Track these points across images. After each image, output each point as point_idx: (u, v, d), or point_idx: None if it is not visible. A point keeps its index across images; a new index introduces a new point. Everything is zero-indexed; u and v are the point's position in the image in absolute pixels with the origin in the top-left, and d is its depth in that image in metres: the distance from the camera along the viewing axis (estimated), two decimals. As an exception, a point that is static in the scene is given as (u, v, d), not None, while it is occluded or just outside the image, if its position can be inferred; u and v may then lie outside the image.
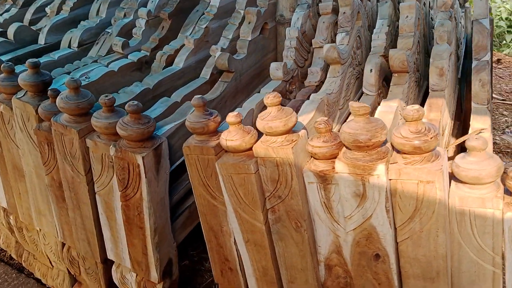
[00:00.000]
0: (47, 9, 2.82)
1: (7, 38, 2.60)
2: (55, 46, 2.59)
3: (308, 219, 1.32)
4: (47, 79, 1.60)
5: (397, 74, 1.69)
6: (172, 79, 1.94)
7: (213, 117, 1.37)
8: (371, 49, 1.91)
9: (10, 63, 1.65)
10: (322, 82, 1.84)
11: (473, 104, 1.64)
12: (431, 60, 1.65)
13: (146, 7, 2.38)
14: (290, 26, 2.13)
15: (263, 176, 1.34)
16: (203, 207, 1.49)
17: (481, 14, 1.84)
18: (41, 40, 2.54)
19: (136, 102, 1.36)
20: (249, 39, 2.00)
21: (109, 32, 2.43)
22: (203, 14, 2.13)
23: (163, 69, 2.05)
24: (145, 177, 1.42)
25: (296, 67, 2.01)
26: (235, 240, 1.49)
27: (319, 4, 2.07)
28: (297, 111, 1.74)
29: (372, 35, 1.95)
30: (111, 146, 1.43)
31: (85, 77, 1.86)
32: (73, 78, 1.44)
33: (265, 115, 1.28)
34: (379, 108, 1.48)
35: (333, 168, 1.28)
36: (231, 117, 1.32)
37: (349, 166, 1.17)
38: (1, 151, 1.84)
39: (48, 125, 1.59)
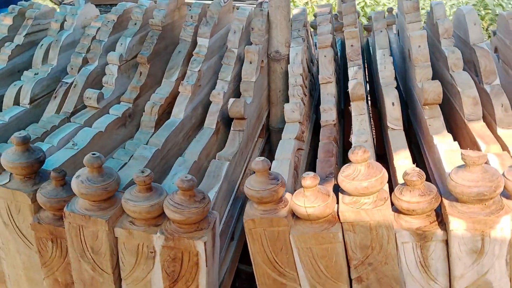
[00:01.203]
0: (-29, 60, 2.33)
1: None
2: (-6, 104, 2.14)
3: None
4: (41, 156, 1.25)
5: (428, 106, 1.62)
6: (175, 134, 1.66)
7: (280, 182, 1.16)
8: (381, 81, 1.83)
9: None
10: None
11: (498, 130, 1.62)
12: (459, 89, 1.61)
13: (112, 51, 2.06)
14: (286, 62, 1.99)
15: (351, 243, 1.16)
16: (264, 285, 1.25)
17: (478, 39, 1.86)
18: (-23, 99, 2.07)
19: (190, 177, 1.10)
20: (253, 80, 1.81)
21: (66, 83, 2.05)
22: (191, 55, 1.89)
23: (156, 122, 1.76)
24: (205, 266, 1.14)
25: (303, 106, 1.87)
26: (307, 318, 1.27)
27: (318, 38, 1.96)
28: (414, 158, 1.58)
29: (378, 66, 1.88)
30: (157, 234, 1.13)
31: (72, 144, 1.51)
32: (94, 154, 1.13)
33: (354, 173, 1.10)
34: (441, 147, 1.39)
35: (431, 223, 1.15)
36: (308, 179, 1.12)
37: (468, 221, 1.04)
38: (-33, 253, 1.40)
39: (51, 216, 1.23)
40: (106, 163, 1.53)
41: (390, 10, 2.93)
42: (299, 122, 1.75)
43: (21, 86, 2.08)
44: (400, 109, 1.70)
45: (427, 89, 1.57)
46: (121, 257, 1.21)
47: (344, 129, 2.38)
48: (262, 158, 1.15)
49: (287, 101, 2.06)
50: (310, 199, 1.13)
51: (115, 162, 1.54)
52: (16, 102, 2.06)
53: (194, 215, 1.10)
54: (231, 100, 1.66)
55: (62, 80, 2.07)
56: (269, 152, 2.29)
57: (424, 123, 1.63)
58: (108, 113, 1.78)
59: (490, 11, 5.95)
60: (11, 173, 1.26)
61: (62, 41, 2.19)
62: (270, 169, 1.17)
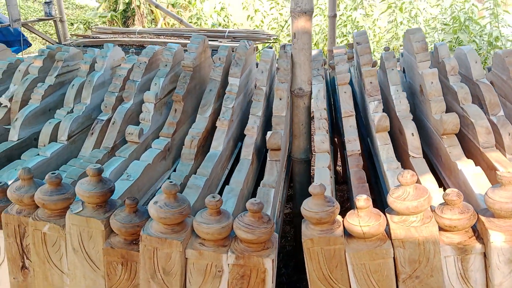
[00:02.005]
0: (2, 99, 2.44)
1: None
2: (27, 141, 2.24)
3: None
4: (112, 186, 1.36)
5: (446, 136, 1.80)
6: (217, 164, 1.79)
7: (335, 204, 1.30)
8: (398, 114, 2.02)
9: (57, 172, 1.37)
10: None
11: (508, 156, 1.81)
12: (472, 120, 1.80)
13: (143, 90, 2.21)
14: (308, 98, 2.16)
15: (400, 258, 1.29)
16: (322, 303, 1.36)
17: (480, 75, 2.09)
18: (14, 137, 2.17)
19: (259, 200, 1.23)
20: (284, 114, 1.97)
21: (101, 120, 2.18)
22: (219, 93, 2.05)
23: (195, 155, 1.89)
24: (272, 282, 1.26)
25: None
26: (358, 332, 1.38)
27: (337, 76, 2.15)
28: (369, 182, 1.74)
29: (394, 101, 2.07)
30: (228, 253, 1.25)
31: (127, 176, 1.62)
32: (171, 182, 1.25)
33: (403, 195, 1.25)
34: (467, 171, 1.56)
35: (469, 238, 1.29)
36: (361, 201, 1.27)
37: (506, 234, 1.20)
38: (30, 281, 1.47)
39: (122, 241, 1.33)
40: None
41: (350, 45, 3.20)
42: (328, 152, 1.90)
43: (56, 123, 2.19)
44: (419, 138, 1.88)
45: (446, 120, 1.76)
46: (189, 277, 1.31)
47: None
48: (319, 183, 1.29)
49: (309, 133, 2.23)
50: (364, 219, 1.26)
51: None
52: (51, 139, 2.17)
53: (264, 235, 1.22)
54: (269, 133, 1.81)
55: (98, 118, 2.19)
56: (290, 180, 2.43)
57: (443, 151, 1.80)
58: (151, 147, 1.90)
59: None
60: (83, 202, 1.36)
61: (94, 82, 2.32)
62: (324, 192, 1.30)
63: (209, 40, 5.70)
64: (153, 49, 2.38)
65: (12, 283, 1.52)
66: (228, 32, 5.74)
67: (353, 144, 1.97)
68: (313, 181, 1.81)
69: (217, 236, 1.25)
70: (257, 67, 2.35)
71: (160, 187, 1.87)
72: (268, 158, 1.83)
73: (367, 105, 2.09)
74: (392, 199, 1.27)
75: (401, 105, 2.04)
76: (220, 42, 5.50)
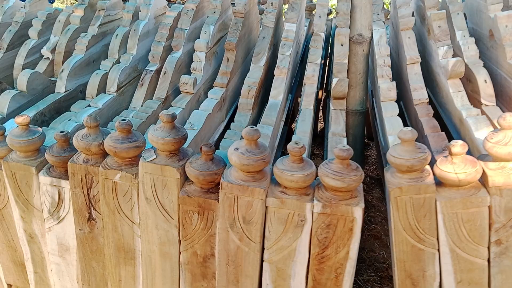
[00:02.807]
0: (44, 51, 2.36)
1: (12, 87, 2.13)
2: (73, 93, 2.18)
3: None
4: (185, 133, 1.29)
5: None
6: (279, 114, 1.71)
7: (427, 151, 1.21)
8: (467, 60, 1.88)
9: (128, 119, 1.30)
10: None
11: None
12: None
13: (192, 38, 2.11)
14: (367, 45, 2.04)
15: (496, 207, 1.21)
16: (404, 254, 1.30)
17: None
18: (61, 88, 2.11)
19: (348, 146, 1.14)
20: (346, 61, 1.86)
21: (150, 70, 2.10)
22: (278, 40, 1.93)
23: (253, 105, 1.81)
24: (359, 232, 1.19)
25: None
26: (440, 284, 1.32)
27: (400, 20, 2.01)
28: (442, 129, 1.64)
29: (462, 47, 1.93)
30: (313, 202, 1.18)
31: (191, 125, 1.55)
32: (252, 127, 1.17)
33: (504, 139, 1.16)
34: None
35: None
36: (457, 147, 1.17)
37: None
38: (97, 233, 1.44)
39: (199, 190, 1.28)
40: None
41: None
42: (394, 101, 1.80)
43: (103, 74, 2.12)
44: (492, 85, 1.76)
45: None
46: (269, 226, 1.25)
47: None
48: (410, 128, 1.20)
49: (366, 83, 2.12)
50: (459, 165, 1.18)
51: (229, 142, 1.59)
52: (99, 90, 2.10)
53: (354, 182, 1.15)
54: (335, 80, 1.71)
55: (146, 69, 2.11)
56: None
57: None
58: (208, 97, 1.82)
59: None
60: (155, 150, 1.30)
61: (140, 31, 2.22)
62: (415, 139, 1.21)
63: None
64: (201, -4, 2.26)
65: (78, 235, 1.50)
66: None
67: (420, 93, 1.85)
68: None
69: (301, 184, 1.18)
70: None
71: (217, 138, 1.81)
72: (332, 108, 1.74)
73: (432, 51, 1.96)
74: (491, 144, 1.17)
75: (470, 51, 1.91)
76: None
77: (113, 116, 1.98)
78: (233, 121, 1.73)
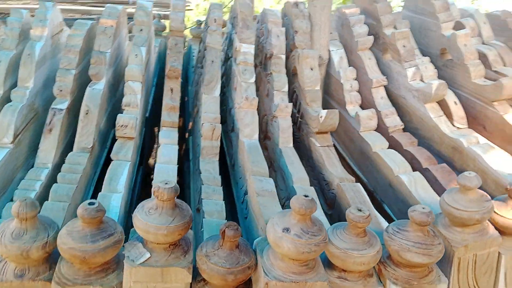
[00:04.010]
0: None
1: None
2: None
3: None
4: (190, 212, 0.87)
5: (497, 103, 1.63)
6: (262, 156, 1.37)
7: (489, 198, 1.02)
8: (426, 81, 1.80)
9: (96, 201, 0.83)
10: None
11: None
12: None
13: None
14: (324, 68, 1.83)
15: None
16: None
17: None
18: None
19: (428, 209, 0.87)
20: (319, 88, 1.60)
21: (60, 109, 1.55)
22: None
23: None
24: None
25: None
26: None
27: (358, 40, 1.83)
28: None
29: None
30: (391, 286, 0.88)
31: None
32: (307, 196, 0.82)
33: None
34: None
35: None
36: (523, 191, 1.00)
37: None
38: None
39: (220, 292, 0.87)
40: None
41: (199, 22, 2.93)
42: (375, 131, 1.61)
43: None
44: (462, 107, 1.69)
45: (506, 84, 1.58)
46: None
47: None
48: (473, 173, 0.99)
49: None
50: (526, 211, 1.01)
51: (211, 204, 1.19)
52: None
53: (440, 254, 0.88)
54: (324, 111, 1.44)
55: (54, 107, 1.55)
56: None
57: (497, 120, 1.64)
58: (162, 144, 1.38)
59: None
60: (142, 242, 0.85)
61: (37, 55, 1.65)
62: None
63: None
64: (117, 9, 1.78)
65: None
66: (132, -2, 4.98)
67: (392, 119, 1.70)
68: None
69: (371, 265, 0.87)
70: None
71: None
72: (318, 145, 1.46)
73: (391, 73, 1.82)
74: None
75: (428, 71, 1.82)
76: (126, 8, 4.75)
77: (11, 179, 1.39)
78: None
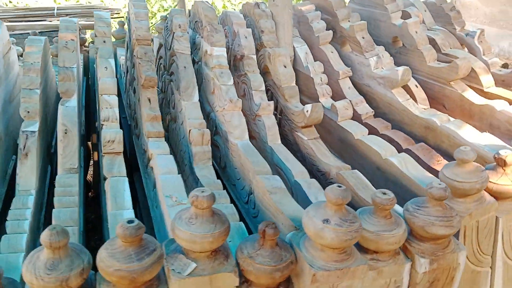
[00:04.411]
0: None
1: None
2: None
3: None
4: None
5: (454, 82, 1.78)
6: (262, 156, 1.39)
7: (483, 168, 1.12)
8: (385, 68, 1.92)
9: (135, 219, 0.80)
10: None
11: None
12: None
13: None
14: (293, 63, 1.88)
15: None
16: (464, 282, 1.19)
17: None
18: None
19: (444, 185, 0.95)
20: (294, 84, 1.65)
21: (32, 132, 1.45)
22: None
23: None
24: (459, 277, 1.01)
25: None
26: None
27: (319, 35, 1.90)
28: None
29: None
30: (420, 261, 0.94)
31: (175, 201, 1.10)
32: (339, 186, 0.85)
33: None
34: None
35: None
36: (510, 156, 1.12)
37: None
38: None
39: (265, 292, 0.88)
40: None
41: (121, 23, 2.84)
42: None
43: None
44: (422, 89, 1.83)
45: (461, 65, 1.72)
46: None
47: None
48: (469, 147, 1.08)
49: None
50: (515, 176, 1.12)
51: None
52: None
53: (459, 224, 0.96)
54: (309, 106, 1.48)
55: (25, 130, 1.45)
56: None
57: (455, 98, 1.78)
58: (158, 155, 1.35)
59: None
60: (184, 254, 0.84)
61: (-7, 77, 1.53)
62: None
63: (35, 21, 4.61)
64: (73, 22, 1.69)
65: None
66: (57, 9, 4.72)
67: (362, 106, 1.79)
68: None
69: (401, 243, 0.93)
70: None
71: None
72: (305, 138, 1.51)
73: (353, 64, 1.92)
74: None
75: (385, 59, 1.94)
76: (50, 21, 4.50)
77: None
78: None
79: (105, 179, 1.32)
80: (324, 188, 1.41)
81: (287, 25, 1.79)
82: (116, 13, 5.06)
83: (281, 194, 1.14)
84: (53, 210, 1.14)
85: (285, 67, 1.64)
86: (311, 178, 1.43)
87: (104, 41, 1.65)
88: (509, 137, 1.57)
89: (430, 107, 1.82)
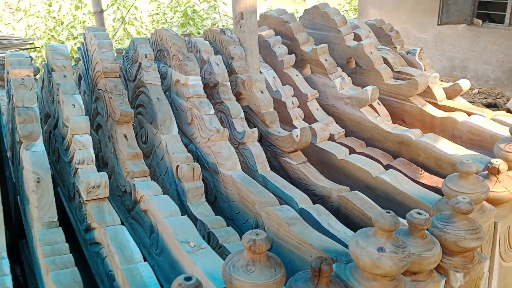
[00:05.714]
0: None
1: None
2: None
3: None
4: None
5: (413, 98, 1.89)
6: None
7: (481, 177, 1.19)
8: (341, 91, 1.99)
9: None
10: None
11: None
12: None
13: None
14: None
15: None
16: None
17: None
18: None
19: (468, 199, 0.98)
20: (272, 110, 1.63)
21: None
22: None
23: (203, 187, 1.34)
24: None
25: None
26: None
27: (283, 59, 1.92)
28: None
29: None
30: (454, 275, 0.96)
31: (194, 246, 1.01)
32: (389, 212, 0.84)
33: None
34: (477, 119, 1.69)
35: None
36: (502, 164, 1.21)
37: None
38: None
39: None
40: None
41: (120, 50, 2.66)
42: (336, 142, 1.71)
43: None
44: (383, 106, 1.91)
45: (420, 81, 1.83)
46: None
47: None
48: (471, 160, 1.15)
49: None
50: (507, 182, 1.21)
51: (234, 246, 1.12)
52: None
53: (484, 234, 1.00)
54: (297, 130, 1.46)
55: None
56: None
57: (415, 112, 1.89)
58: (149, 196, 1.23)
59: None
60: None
61: None
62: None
63: None
64: (24, 56, 1.52)
65: None
66: (-39, 42, 4.24)
67: (333, 126, 1.83)
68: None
69: (438, 262, 0.94)
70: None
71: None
72: (295, 163, 1.49)
73: (316, 86, 1.96)
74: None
75: (345, 79, 2.01)
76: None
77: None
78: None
79: (93, 228, 1.18)
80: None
81: (254, 50, 1.78)
82: (30, 43, 4.69)
83: (300, 225, 1.10)
84: (50, 273, 0.98)
85: (262, 92, 1.62)
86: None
87: (65, 76, 1.50)
88: (470, 145, 1.70)
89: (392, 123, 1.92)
